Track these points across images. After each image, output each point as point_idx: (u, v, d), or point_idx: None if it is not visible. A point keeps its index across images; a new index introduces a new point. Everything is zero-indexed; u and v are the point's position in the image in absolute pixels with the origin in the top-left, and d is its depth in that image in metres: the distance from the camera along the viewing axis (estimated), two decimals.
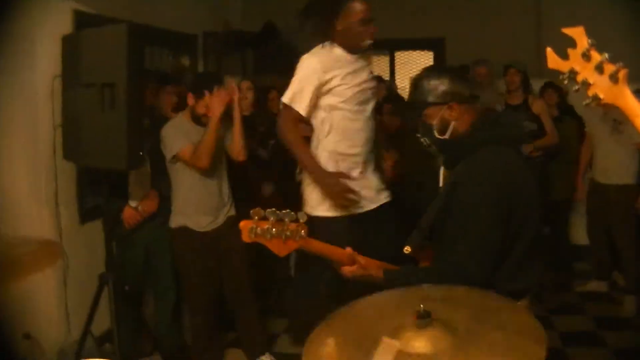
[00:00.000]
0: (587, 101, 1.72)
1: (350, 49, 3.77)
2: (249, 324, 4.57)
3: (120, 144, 3.39)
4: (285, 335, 5.16)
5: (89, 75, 3.53)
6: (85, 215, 4.59)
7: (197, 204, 4.28)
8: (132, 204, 4.35)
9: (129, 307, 4.39)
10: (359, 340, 1.85)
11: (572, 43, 1.74)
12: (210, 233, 4.33)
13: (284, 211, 2.34)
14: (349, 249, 2.54)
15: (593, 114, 5.73)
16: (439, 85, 2.63)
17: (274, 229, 2.30)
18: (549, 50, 1.75)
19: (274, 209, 2.32)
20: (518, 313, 1.96)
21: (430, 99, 2.63)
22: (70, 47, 3.77)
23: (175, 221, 4.32)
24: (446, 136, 2.66)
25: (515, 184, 2.49)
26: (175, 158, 4.19)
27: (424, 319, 1.78)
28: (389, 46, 8.47)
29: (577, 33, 1.70)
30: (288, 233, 2.31)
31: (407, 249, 2.63)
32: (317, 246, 2.48)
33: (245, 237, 2.31)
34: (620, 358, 4.66)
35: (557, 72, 1.76)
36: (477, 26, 7.30)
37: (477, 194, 2.44)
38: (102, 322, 4.02)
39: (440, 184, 2.90)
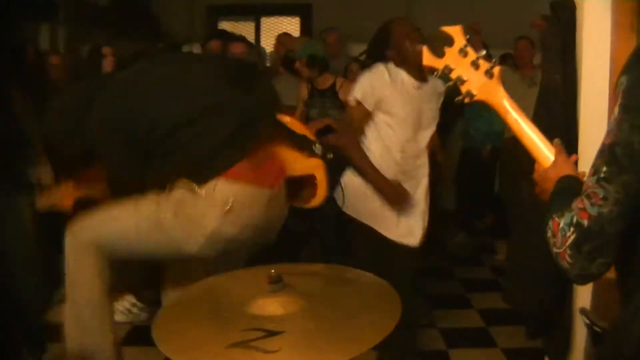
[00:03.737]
0: (460, 98, 1.73)
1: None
2: None
3: None
4: None
5: None
6: None
7: None
8: None
9: None
10: (212, 310, 1.84)
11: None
12: None
13: None
14: None
15: None
16: None
17: None
18: (424, 48, 1.78)
19: None
20: (374, 281, 2.00)
21: None
22: None
23: None
24: None
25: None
26: None
27: (276, 283, 1.78)
28: (255, 12, 8.45)
29: (455, 31, 1.73)
30: None
31: None
32: None
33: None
34: (484, 318, 4.80)
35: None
36: None
37: None
38: None
39: None
